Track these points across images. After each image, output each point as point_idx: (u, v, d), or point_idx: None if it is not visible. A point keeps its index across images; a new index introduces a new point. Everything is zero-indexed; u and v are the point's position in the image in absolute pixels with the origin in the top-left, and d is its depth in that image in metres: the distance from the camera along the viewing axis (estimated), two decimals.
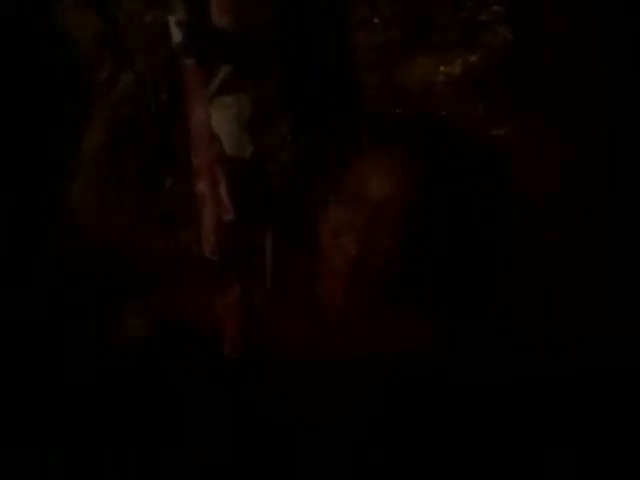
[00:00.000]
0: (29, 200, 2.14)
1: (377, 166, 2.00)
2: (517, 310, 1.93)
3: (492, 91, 1.97)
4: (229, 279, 1.92)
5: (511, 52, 1.95)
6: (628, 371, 1.82)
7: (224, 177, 1.91)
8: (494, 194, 1.98)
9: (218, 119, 1.91)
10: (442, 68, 2.00)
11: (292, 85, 2.04)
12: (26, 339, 2.03)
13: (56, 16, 2.19)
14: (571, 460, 1.78)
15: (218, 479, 1.86)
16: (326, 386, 1.91)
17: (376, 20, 2.04)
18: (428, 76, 2.01)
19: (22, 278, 2.09)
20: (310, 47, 2.05)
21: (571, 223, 1.92)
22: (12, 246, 2.11)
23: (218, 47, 1.90)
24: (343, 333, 1.97)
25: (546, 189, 1.93)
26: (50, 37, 2.19)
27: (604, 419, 1.81)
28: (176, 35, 1.88)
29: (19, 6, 2.17)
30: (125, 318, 2.06)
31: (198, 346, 1.99)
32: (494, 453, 1.82)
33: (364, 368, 1.90)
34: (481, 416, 1.85)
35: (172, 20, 1.87)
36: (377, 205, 1.98)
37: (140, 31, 2.17)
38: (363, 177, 2.00)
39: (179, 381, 1.97)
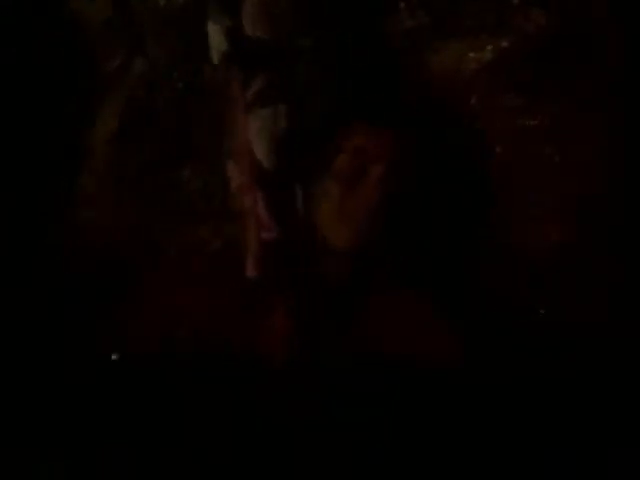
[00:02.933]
0: (32, 196, 2.07)
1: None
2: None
3: (525, 79, 1.88)
4: (274, 299, 1.88)
5: (545, 37, 1.87)
6: None
7: (262, 193, 1.85)
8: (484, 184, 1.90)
9: (255, 132, 1.87)
10: (472, 54, 1.91)
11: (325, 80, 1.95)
12: (27, 339, 1.98)
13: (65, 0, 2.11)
14: (578, 460, 1.76)
15: None
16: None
17: (402, 4, 1.95)
18: (457, 62, 1.92)
19: (23, 278, 2.03)
20: (341, 40, 1.95)
21: (603, 221, 1.85)
22: (13, 245, 2.04)
23: (257, 56, 1.84)
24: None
25: (576, 186, 1.86)
26: (58, 22, 2.11)
27: (617, 421, 1.78)
28: (222, 44, 1.84)
29: None
30: None
31: (207, 348, 1.94)
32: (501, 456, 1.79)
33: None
34: (489, 419, 1.81)
35: (216, 28, 1.84)
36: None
37: (154, 16, 2.09)
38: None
39: (185, 384, 1.92)
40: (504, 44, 1.89)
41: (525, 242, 1.87)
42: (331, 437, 1.85)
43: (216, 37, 1.88)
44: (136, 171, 2.06)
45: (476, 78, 1.91)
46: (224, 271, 1.98)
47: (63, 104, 2.09)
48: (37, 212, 2.07)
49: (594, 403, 1.78)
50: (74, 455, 1.88)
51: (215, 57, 1.93)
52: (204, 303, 1.96)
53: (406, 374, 1.85)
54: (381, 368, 1.86)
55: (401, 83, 1.93)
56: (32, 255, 2.05)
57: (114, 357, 1.93)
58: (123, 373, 1.95)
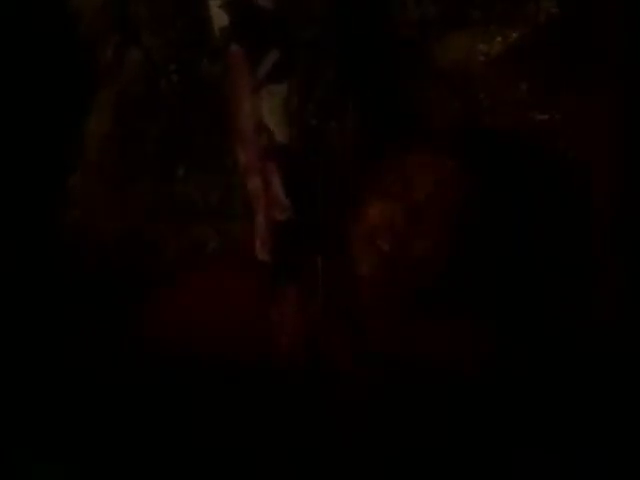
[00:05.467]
0: (24, 195, 2.03)
1: (421, 164, 1.84)
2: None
3: (536, 72, 1.81)
4: (286, 286, 1.80)
5: (558, 28, 1.79)
6: None
7: (278, 171, 1.78)
8: (545, 188, 1.83)
9: (268, 108, 1.79)
10: (480, 46, 1.83)
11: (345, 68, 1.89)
12: (28, 342, 1.96)
13: None
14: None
15: None
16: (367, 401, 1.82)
17: None
18: (464, 55, 1.84)
19: (18, 278, 2.00)
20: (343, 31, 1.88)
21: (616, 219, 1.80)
22: (6, 246, 2.01)
23: (266, 30, 1.77)
24: (381, 343, 1.85)
25: (603, 186, 1.79)
26: (51, 10, 2.05)
27: None
28: (221, 19, 1.79)
29: None
30: None
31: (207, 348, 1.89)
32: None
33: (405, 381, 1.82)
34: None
35: (215, 3, 1.78)
36: (418, 205, 1.82)
37: (149, 3, 2.01)
38: (405, 174, 1.85)
39: (188, 383, 1.89)
40: (514, 35, 1.82)
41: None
42: (351, 444, 1.83)
43: (215, 11, 1.81)
44: (131, 168, 2.01)
45: (485, 71, 1.83)
46: (225, 270, 1.94)
47: (55, 97, 2.04)
48: (30, 212, 2.03)
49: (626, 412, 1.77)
50: (74, 455, 1.87)
51: (217, 34, 1.86)
52: (205, 303, 1.92)
53: (431, 379, 1.82)
54: (404, 371, 1.83)
55: (406, 77, 1.87)
56: (27, 255, 2.02)
57: None
58: (124, 373, 1.92)
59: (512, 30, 1.81)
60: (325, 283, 1.84)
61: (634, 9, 1.77)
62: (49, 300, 1.98)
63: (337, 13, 1.87)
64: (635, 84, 1.80)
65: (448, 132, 1.87)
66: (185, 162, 1.99)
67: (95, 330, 1.96)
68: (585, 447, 1.76)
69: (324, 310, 1.84)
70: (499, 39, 1.82)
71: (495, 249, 1.82)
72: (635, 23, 1.78)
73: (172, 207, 1.98)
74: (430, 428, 1.80)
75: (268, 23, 1.80)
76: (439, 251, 1.81)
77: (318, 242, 1.84)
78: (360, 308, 1.85)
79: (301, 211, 1.82)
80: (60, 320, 1.97)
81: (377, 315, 1.85)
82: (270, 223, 1.82)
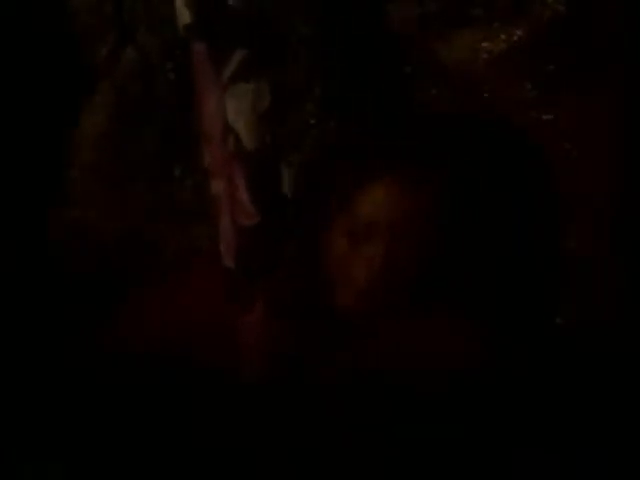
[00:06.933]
0: (24, 193, 2.00)
1: (404, 165, 1.82)
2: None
3: (541, 70, 1.81)
4: (252, 293, 1.77)
5: (559, 27, 1.79)
6: None
7: (244, 176, 1.74)
8: (542, 189, 1.83)
9: (235, 109, 1.74)
10: (484, 44, 1.82)
11: (320, 66, 1.87)
12: (27, 342, 1.94)
13: None
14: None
15: None
16: (354, 406, 1.78)
17: None
18: (468, 53, 1.83)
19: (19, 279, 1.98)
20: (339, 24, 1.87)
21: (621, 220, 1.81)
22: (6, 245, 1.99)
23: (232, 29, 1.73)
24: (369, 345, 1.82)
25: (604, 186, 1.79)
26: (46, 7, 2.02)
27: None
28: (184, 16, 1.73)
29: None
30: None
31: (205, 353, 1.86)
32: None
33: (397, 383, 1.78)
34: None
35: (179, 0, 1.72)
36: (402, 208, 1.81)
37: (145, 1, 1.98)
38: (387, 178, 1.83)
39: (184, 385, 1.85)
40: (519, 33, 1.81)
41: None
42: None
43: (179, 9, 1.75)
44: (130, 168, 1.98)
45: (487, 70, 1.83)
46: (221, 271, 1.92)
47: (51, 95, 2.00)
48: (29, 211, 2.01)
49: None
50: (73, 455, 1.86)
51: (180, 31, 1.80)
52: (203, 303, 1.89)
53: (429, 379, 1.79)
54: (401, 371, 1.80)
55: (407, 76, 1.86)
56: (26, 255, 2.00)
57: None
58: (122, 374, 1.89)
59: (515, 28, 1.81)
60: (293, 287, 1.83)
61: (634, 9, 1.77)
62: (48, 300, 1.96)
63: (332, 10, 1.86)
64: (635, 84, 1.80)
65: (445, 130, 1.86)
66: (182, 162, 1.96)
67: (94, 330, 1.93)
68: (585, 447, 1.76)
69: (292, 315, 1.82)
70: (503, 37, 1.81)
71: (494, 248, 1.82)
72: (635, 23, 1.78)
73: (172, 207, 1.96)
74: (429, 427, 1.79)
75: (235, 21, 1.76)
76: (430, 251, 1.81)
77: (286, 247, 1.82)
78: (341, 311, 1.84)
79: (268, 216, 1.78)
80: (59, 320, 1.94)
81: (370, 317, 1.83)
82: (236, 228, 1.78)
